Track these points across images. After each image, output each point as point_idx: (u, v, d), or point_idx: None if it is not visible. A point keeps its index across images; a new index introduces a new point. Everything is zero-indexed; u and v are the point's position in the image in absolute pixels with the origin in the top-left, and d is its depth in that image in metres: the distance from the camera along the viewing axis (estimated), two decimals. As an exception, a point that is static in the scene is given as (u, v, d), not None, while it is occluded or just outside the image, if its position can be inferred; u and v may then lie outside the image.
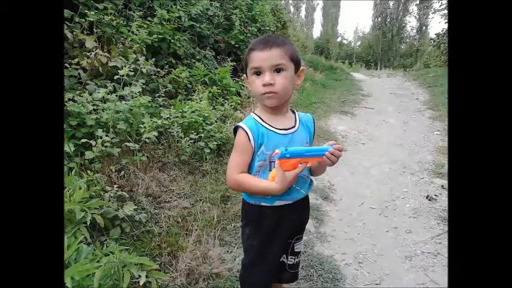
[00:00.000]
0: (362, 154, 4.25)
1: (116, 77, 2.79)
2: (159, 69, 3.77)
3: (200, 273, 1.87)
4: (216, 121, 3.45)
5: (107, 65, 3.05)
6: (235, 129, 1.21)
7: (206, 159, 3.09)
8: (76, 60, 2.85)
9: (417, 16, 38.47)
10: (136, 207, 2.23)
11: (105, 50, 3.25)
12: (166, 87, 3.63)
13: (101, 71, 3.03)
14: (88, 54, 2.95)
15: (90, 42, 3.03)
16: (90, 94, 2.70)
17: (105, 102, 2.71)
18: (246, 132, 1.17)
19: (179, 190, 2.68)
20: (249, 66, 1.17)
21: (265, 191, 1.16)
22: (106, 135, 2.43)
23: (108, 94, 2.74)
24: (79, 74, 2.90)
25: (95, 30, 3.32)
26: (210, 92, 4.03)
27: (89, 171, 2.19)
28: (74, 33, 3.01)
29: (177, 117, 3.20)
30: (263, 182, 1.16)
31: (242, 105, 4.71)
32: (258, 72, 1.15)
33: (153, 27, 4.04)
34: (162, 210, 2.42)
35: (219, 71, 4.74)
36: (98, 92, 2.71)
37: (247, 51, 1.17)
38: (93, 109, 2.60)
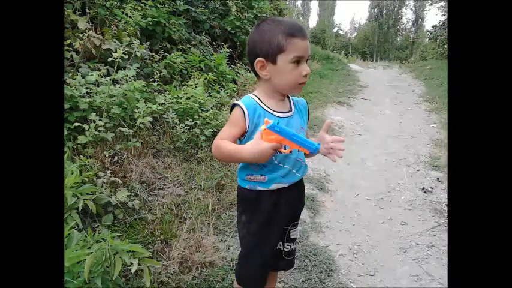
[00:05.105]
0: (358, 145, 4.24)
1: (109, 59, 2.71)
2: (153, 54, 3.68)
3: (193, 262, 1.84)
4: (211, 108, 3.39)
5: (100, 48, 2.97)
6: (233, 106, 1.19)
7: (201, 146, 3.04)
8: (68, 41, 2.76)
9: (413, 8, 38.43)
10: (129, 193, 2.20)
11: (98, 32, 3.16)
12: (161, 72, 3.55)
13: (94, 53, 2.95)
14: (81, 35, 2.86)
15: (82, 23, 2.94)
16: (83, 77, 2.63)
17: (98, 86, 2.64)
18: (243, 110, 1.15)
19: (173, 177, 2.64)
20: (288, 53, 1.10)
21: (239, 150, 1.12)
22: (99, 120, 2.37)
23: (102, 77, 2.67)
24: (71, 56, 2.82)
25: (87, 10, 3.21)
26: (205, 79, 3.96)
27: (81, 156, 2.14)
28: (66, 13, 2.91)
29: (172, 103, 3.14)
30: (239, 145, 1.15)
31: (238, 92, 4.65)
32: (297, 61, 1.11)
33: (147, 10, 3.94)
34: (155, 198, 2.38)
35: (215, 58, 4.66)
36: (91, 75, 2.63)
37: (282, 36, 1.10)
38: (86, 92, 2.54)
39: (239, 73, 5.15)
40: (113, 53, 2.67)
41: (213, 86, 4.07)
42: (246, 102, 1.17)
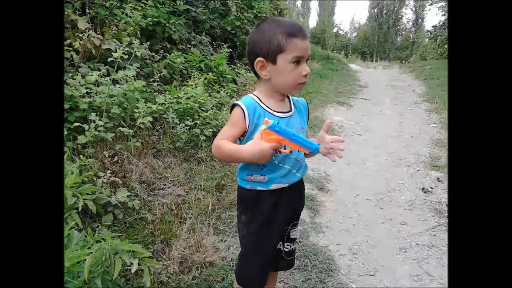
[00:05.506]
0: (358, 145, 4.24)
1: (109, 59, 2.71)
2: (153, 54, 3.68)
3: (193, 262, 1.84)
4: (211, 108, 3.39)
5: (100, 48, 2.97)
6: (233, 106, 1.19)
7: (201, 146, 3.04)
8: (68, 41, 2.76)
9: (413, 8, 38.41)
10: (129, 193, 2.19)
11: (98, 32, 3.16)
12: (161, 72, 3.55)
13: (94, 53, 2.94)
14: (81, 35, 2.86)
15: (82, 23, 2.94)
16: (83, 77, 2.63)
17: (98, 86, 2.64)
18: (243, 110, 1.15)
19: (173, 177, 2.64)
20: (288, 53, 1.10)
21: (238, 150, 1.12)
22: (99, 120, 2.37)
23: (102, 77, 2.67)
24: (71, 56, 2.82)
25: (87, 10, 3.21)
26: (205, 79, 3.96)
27: (81, 156, 2.14)
28: (66, 13, 2.92)
29: (172, 103, 3.14)
30: (238, 145, 1.15)
31: (238, 92, 4.65)
32: (297, 61, 1.12)
33: (147, 10, 3.94)
34: (155, 198, 2.38)
35: (215, 58, 4.65)
36: (91, 75, 2.63)
37: (282, 36, 1.10)
38: (86, 92, 2.53)
39: (239, 73, 5.15)
40: (113, 53, 2.67)
41: (213, 86, 4.07)
42: (246, 102, 1.17)
